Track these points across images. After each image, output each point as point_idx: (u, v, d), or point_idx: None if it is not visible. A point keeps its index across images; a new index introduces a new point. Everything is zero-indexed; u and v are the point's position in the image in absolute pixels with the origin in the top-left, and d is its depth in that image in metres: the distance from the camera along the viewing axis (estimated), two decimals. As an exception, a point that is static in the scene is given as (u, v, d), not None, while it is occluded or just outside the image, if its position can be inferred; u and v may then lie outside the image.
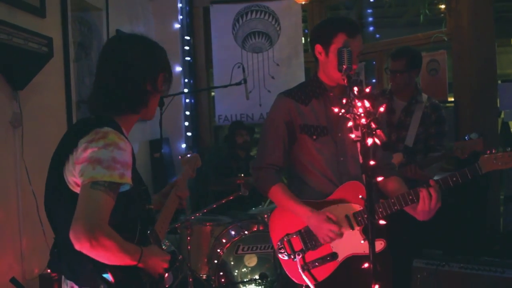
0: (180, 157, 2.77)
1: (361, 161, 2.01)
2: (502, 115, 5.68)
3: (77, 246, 1.77)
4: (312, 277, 2.64)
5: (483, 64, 5.24)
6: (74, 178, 1.92)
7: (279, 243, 2.72)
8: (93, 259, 1.83)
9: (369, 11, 7.22)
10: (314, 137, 2.70)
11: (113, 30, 5.16)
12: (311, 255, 2.66)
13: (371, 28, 7.13)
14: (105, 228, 1.79)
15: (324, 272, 2.64)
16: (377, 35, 7.24)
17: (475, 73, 5.23)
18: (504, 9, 7.62)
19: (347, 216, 2.62)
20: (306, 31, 7.05)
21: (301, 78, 6.41)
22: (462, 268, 3.93)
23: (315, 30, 2.79)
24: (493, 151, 2.47)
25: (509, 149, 2.45)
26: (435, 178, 2.62)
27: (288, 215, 2.71)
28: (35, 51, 3.41)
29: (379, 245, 2.57)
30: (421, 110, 4.01)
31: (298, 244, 2.68)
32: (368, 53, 6.13)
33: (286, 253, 2.69)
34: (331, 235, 2.54)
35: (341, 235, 2.57)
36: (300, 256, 2.65)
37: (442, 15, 5.62)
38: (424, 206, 2.49)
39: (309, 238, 2.66)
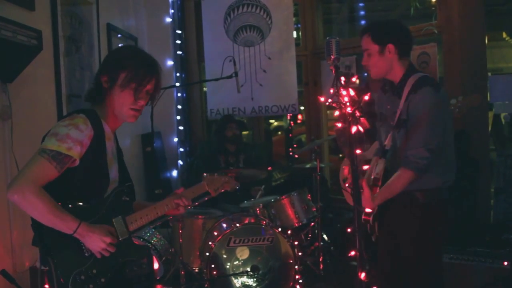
0: (204, 174, 2.82)
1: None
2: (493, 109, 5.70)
3: (8, 196, 2.12)
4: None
5: (473, 57, 5.25)
6: None
7: (346, 176, 3.27)
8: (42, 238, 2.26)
9: (361, 4, 7.24)
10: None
11: (104, 24, 5.15)
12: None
13: (362, 22, 7.14)
14: (35, 188, 2.11)
15: None
16: (369, 29, 7.21)
17: (466, 66, 5.23)
18: (496, 2, 7.63)
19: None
20: (299, 25, 7.04)
21: (292, 71, 6.42)
22: (452, 259, 3.98)
23: None
24: None
25: None
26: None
27: None
28: (24, 44, 3.39)
29: None
30: None
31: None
32: (360, 46, 6.09)
33: (347, 185, 3.20)
34: None
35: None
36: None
37: (433, 8, 5.63)
38: None
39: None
